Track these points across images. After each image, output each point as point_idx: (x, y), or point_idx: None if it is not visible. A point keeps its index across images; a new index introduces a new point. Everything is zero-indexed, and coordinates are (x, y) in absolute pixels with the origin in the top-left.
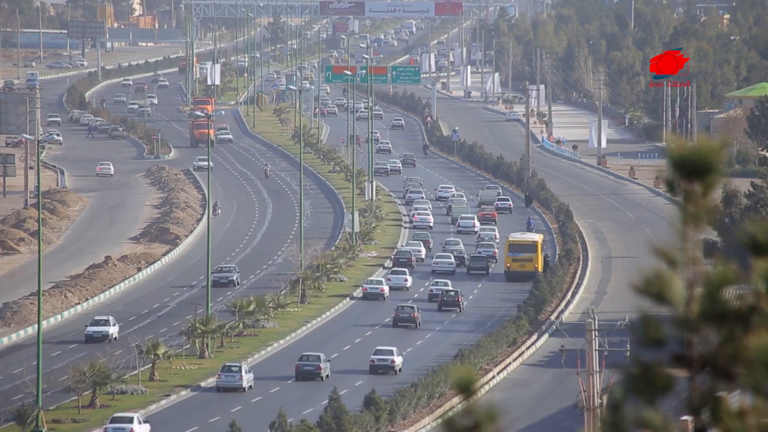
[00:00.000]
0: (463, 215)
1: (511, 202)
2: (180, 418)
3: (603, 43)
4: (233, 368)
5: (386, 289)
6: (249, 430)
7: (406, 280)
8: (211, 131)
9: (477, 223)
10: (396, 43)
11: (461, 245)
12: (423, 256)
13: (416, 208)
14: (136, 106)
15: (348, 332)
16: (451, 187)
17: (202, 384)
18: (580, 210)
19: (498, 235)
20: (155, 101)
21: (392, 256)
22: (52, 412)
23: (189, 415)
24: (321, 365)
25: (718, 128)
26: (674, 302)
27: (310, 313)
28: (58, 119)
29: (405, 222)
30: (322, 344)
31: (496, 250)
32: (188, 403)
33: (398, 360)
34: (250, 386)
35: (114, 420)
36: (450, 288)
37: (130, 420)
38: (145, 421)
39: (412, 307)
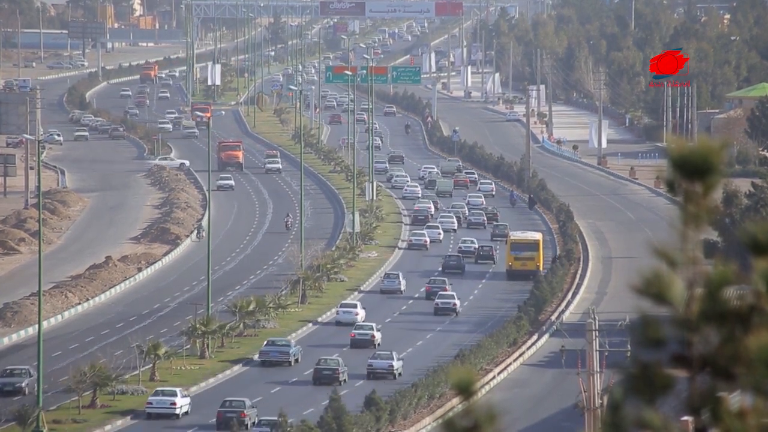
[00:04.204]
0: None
1: (476, 175)
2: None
3: (603, 43)
4: (392, 275)
5: (428, 240)
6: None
7: (439, 233)
8: (239, 153)
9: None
10: (409, 38)
11: (465, 208)
12: (433, 213)
13: (397, 176)
14: (169, 125)
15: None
16: (434, 167)
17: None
18: (581, 210)
19: (484, 201)
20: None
21: (411, 214)
22: (52, 412)
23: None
24: (447, 287)
25: (719, 128)
26: (674, 302)
27: (310, 314)
28: (86, 133)
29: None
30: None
31: (484, 218)
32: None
33: (458, 303)
34: (404, 289)
35: (343, 305)
36: (484, 244)
37: (355, 306)
38: (363, 307)
39: (458, 256)
